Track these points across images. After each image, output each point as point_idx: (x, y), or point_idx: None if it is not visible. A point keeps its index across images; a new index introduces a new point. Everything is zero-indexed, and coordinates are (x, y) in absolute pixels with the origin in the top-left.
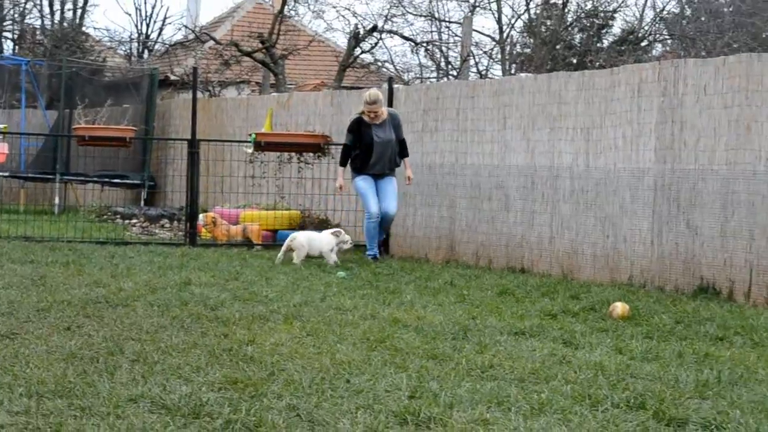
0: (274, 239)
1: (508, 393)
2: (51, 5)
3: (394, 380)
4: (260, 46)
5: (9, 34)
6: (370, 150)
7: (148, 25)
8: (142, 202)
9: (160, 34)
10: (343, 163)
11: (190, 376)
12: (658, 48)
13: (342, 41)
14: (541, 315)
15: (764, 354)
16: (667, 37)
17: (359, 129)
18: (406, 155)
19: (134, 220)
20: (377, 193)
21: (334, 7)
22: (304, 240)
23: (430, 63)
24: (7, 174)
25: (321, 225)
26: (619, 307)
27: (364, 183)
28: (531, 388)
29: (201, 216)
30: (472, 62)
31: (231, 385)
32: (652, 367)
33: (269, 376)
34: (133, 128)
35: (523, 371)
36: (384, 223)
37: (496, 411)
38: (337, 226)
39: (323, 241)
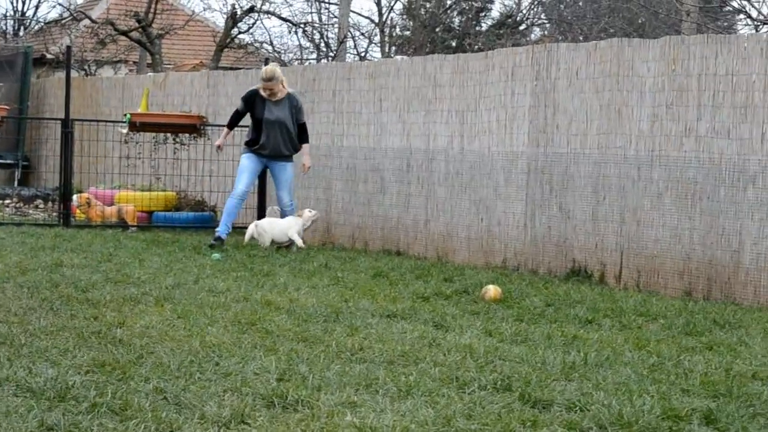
0: (149, 220)
1: (377, 375)
2: None
3: (264, 363)
4: (136, 25)
5: None
6: (259, 127)
7: (23, 2)
8: (16, 182)
9: (35, 11)
10: (229, 125)
11: (58, 359)
12: (536, 32)
13: (220, 21)
14: (414, 298)
15: (631, 336)
16: (544, 21)
17: (253, 101)
18: (306, 141)
19: (7, 201)
20: (274, 180)
21: None
22: (266, 226)
23: (309, 44)
24: None
25: (197, 206)
26: (492, 290)
27: (246, 161)
28: (399, 371)
29: (75, 197)
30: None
31: (98, 368)
32: (521, 349)
33: (137, 359)
34: (7, 107)
35: (393, 354)
36: (284, 213)
37: (364, 393)
38: (213, 209)
39: (286, 224)
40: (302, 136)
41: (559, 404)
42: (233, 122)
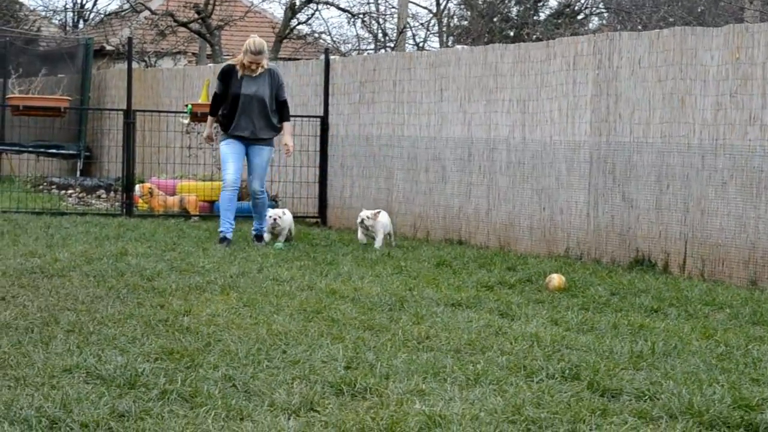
0: (211, 210)
1: (444, 364)
2: None
3: (331, 351)
4: (196, 16)
5: None
6: (235, 105)
7: None
8: (78, 173)
9: (95, 3)
10: (212, 113)
11: (126, 347)
12: (595, 21)
13: (278, 12)
14: (478, 286)
15: (698, 325)
16: (603, 10)
17: (228, 78)
18: (287, 119)
19: (70, 191)
20: (247, 165)
21: None
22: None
23: (367, 35)
24: None
25: None
26: (556, 279)
27: (226, 147)
28: (467, 359)
29: (137, 187)
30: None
31: (167, 355)
32: (588, 338)
33: (205, 347)
34: (68, 98)
35: (459, 342)
36: (252, 201)
37: (432, 382)
38: (275, 198)
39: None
40: (283, 114)
41: (629, 393)
42: (216, 106)
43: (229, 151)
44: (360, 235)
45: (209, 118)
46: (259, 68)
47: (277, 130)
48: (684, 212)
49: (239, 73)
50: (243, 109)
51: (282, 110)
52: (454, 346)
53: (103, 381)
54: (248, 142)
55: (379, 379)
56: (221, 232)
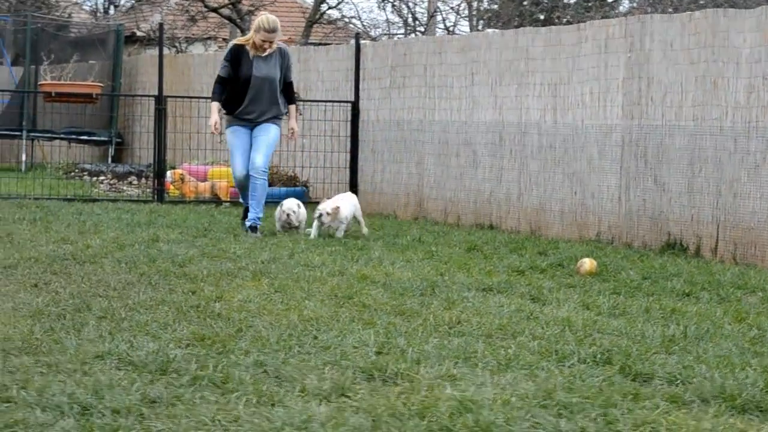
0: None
1: (475, 348)
2: None
3: (362, 336)
4: (226, 1)
5: None
6: (245, 87)
7: None
8: (110, 159)
9: None
10: (215, 98)
11: (158, 333)
12: (625, 4)
13: None
14: (509, 271)
15: (730, 309)
16: None
17: (238, 59)
18: (293, 102)
19: (102, 177)
20: (252, 141)
21: None
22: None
23: (397, 19)
24: None
25: (289, 182)
26: (587, 263)
27: (233, 137)
28: (498, 344)
29: (169, 173)
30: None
31: (198, 341)
32: (619, 322)
33: (237, 333)
34: (100, 84)
35: (491, 327)
36: (252, 175)
37: (463, 366)
38: (305, 184)
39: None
40: (290, 96)
41: (660, 377)
42: (221, 92)
43: (237, 141)
44: (313, 230)
45: (213, 104)
46: (270, 48)
47: (284, 111)
48: (716, 196)
49: (250, 53)
50: (253, 92)
51: (288, 91)
52: (486, 331)
53: (134, 367)
54: (254, 124)
55: (410, 364)
56: (248, 220)
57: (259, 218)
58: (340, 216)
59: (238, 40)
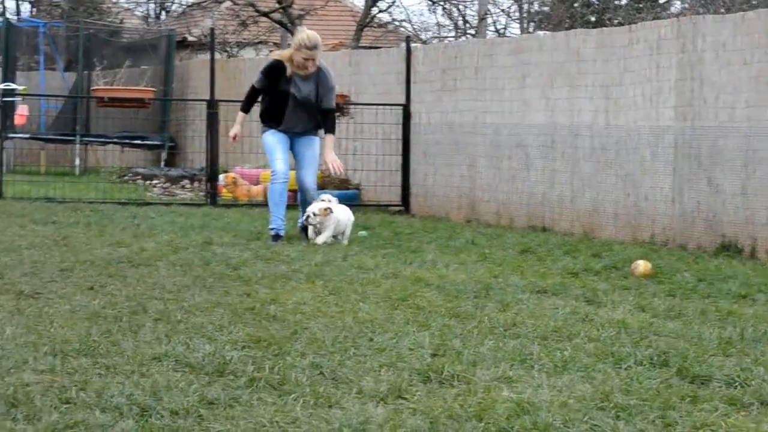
0: (294, 199)
1: (531, 351)
2: None
3: (417, 338)
4: (277, 6)
5: None
6: (283, 105)
7: None
8: (163, 163)
9: None
10: (244, 108)
11: (214, 335)
12: (677, 5)
13: (359, 1)
14: (563, 273)
15: None
16: None
17: (276, 76)
18: (331, 131)
19: (155, 181)
20: (295, 158)
21: None
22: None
23: (447, 22)
24: (27, 136)
25: (341, 185)
26: (642, 265)
27: (272, 136)
28: (554, 346)
29: (221, 176)
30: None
31: (254, 343)
32: (675, 324)
33: (292, 335)
34: (152, 89)
35: (546, 329)
36: (302, 197)
37: (520, 369)
38: (357, 187)
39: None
40: (327, 124)
41: (718, 380)
42: (250, 102)
43: (275, 140)
44: (310, 231)
45: (240, 114)
46: (312, 67)
47: (319, 125)
48: None
49: (288, 70)
50: (291, 110)
51: (326, 119)
52: (541, 333)
53: (191, 369)
54: (293, 134)
55: (466, 366)
56: (273, 229)
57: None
58: (329, 218)
59: (280, 54)
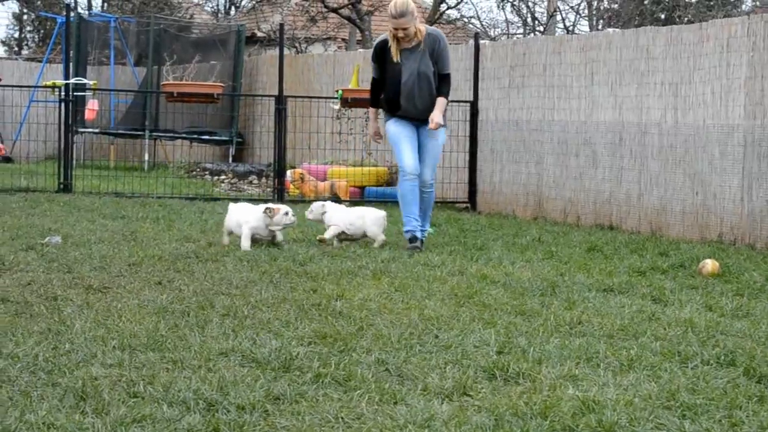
0: (361, 195)
1: (597, 349)
2: None
3: (483, 336)
4: (346, 2)
5: None
6: (395, 86)
7: None
8: (231, 159)
9: None
10: (373, 103)
11: (280, 331)
12: (748, 3)
13: None
14: (630, 272)
15: None
16: None
17: (383, 57)
18: (443, 93)
19: (223, 177)
20: (419, 149)
21: None
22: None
23: (516, 19)
24: (97, 130)
25: None
26: (709, 264)
27: (396, 127)
28: (620, 345)
29: (289, 172)
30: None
31: (320, 339)
32: (743, 324)
33: (358, 331)
34: (221, 84)
35: (612, 328)
36: (422, 193)
37: (585, 367)
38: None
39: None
40: (441, 88)
41: None
42: (376, 95)
43: (401, 131)
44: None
45: (371, 110)
46: (413, 36)
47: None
48: None
49: (393, 48)
50: (406, 91)
51: (441, 83)
52: (607, 332)
53: (258, 364)
54: (418, 122)
55: (531, 364)
56: (408, 231)
57: (424, 230)
58: (337, 215)
59: (383, 35)
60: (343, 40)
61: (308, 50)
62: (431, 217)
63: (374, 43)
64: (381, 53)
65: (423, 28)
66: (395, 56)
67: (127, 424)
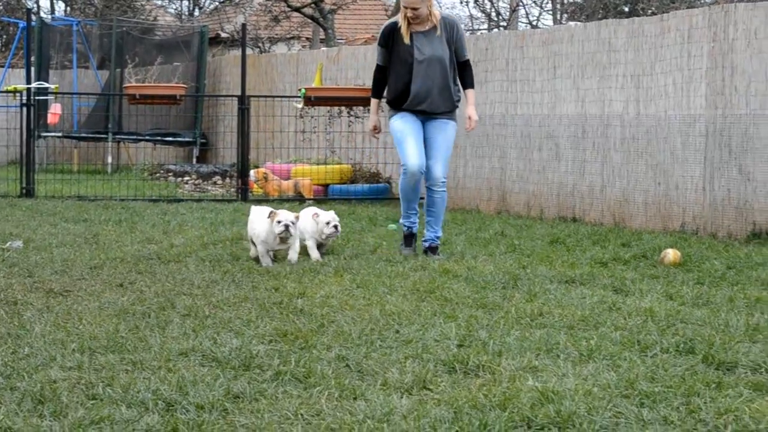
0: (325, 194)
1: (557, 340)
2: None
3: (444, 330)
4: (309, 1)
5: None
6: (407, 75)
7: None
8: (194, 160)
9: None
10: (375, 93)
11: (241, 330)
12: None
13: None
14: (592, 263)
15: None
16: None
17: (393, 42)
18: (471, 85)
19: (186, 178)
20: (424, 142)
21: None
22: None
23: (479, 14)
24: (60, 134)
25: (372, 178)
26: (671, 254)
27: (402, 123)
28: (580, 335)
29: (252, 172)
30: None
31: (281, 337)
32: (703, 312)
33: (319, 328)
34: (184, 86)
35: (573, 318)
36: (430, 188)
37: (545, 358)
38: (388, 180)
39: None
40: (466, 78)
41: (744, 366)
42: (378, 85)
43: (406, 127)
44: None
45: (372, 101)
46: (426, 19)
47: (456, 102)
48: None
49: (405, 32)
50: (419, 79)
51: (464, 73)
52: (568, 323)
53: (218, 363)
54: (426, 117)
55: (491, 357)
56: (406, 227)
57: (438, 237)
58: (301, 225)
59: (393, 17)
60: (307, 39)
61: (272, 50)
62: (392, 216)
63: (383, 27)
64: (390, 36)
65: (437, 12)
66: (405, 37)
67: (85, 426)
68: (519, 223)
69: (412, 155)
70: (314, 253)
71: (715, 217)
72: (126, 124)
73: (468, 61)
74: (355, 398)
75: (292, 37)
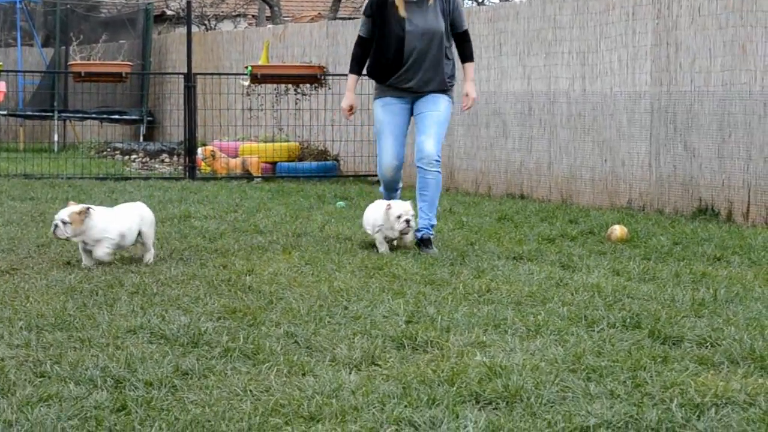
0: (273, 171)
1: (505, 316)
2: None
3: (392, 306)
4: None
5: None
6: (398, 48)
7: None
8: (141, 138)
9: None
10: (353, 69)
11: (189, 307)
12: None
13: None
14: (540, 239)
15: (761, 272)
16: None
17: (382, 12)
18: (470, 58)
19: (134, 156)
20: (416, 120)
21: None
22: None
23: None
24: (5, 113)
25: (320, 156)
26: (618, 230)
27: (383, 113)
28: (527, 311)
29: (200, 150)
30: None
31: (229, 314)
32: (649, 287)
33: (267, 305)
34: (130, 63)
35: (520, 294)
36: (421, 167)
37: (493, 333)
38: (336, 158)
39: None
40: (465, 51)
41: (690, 340)
42: (358, 60)
43: (387, 119)
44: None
45: (350, 78)
46: None
47: (451, 79)
48: (746, 160)
49: (398, 2)
50: (410, 52)
51: (462, 45)
52: (515, 299)
53: (166, 340)
54: (415, 96)
55: (439, 333)
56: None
57: (432, 226)
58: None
59: None
60: (253, 16)
61: (218, 27)
62: (340, 194)
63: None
64: (380, 7)
65: None
66: (400, 9)
67: (33, 404)
68: (467, 200)
69: (387, 153)
70: (383, 248)
71: (661, 194)
72: (72, 102)
73: (467, 32)
74: (303, 374)
75: (238, 15)
